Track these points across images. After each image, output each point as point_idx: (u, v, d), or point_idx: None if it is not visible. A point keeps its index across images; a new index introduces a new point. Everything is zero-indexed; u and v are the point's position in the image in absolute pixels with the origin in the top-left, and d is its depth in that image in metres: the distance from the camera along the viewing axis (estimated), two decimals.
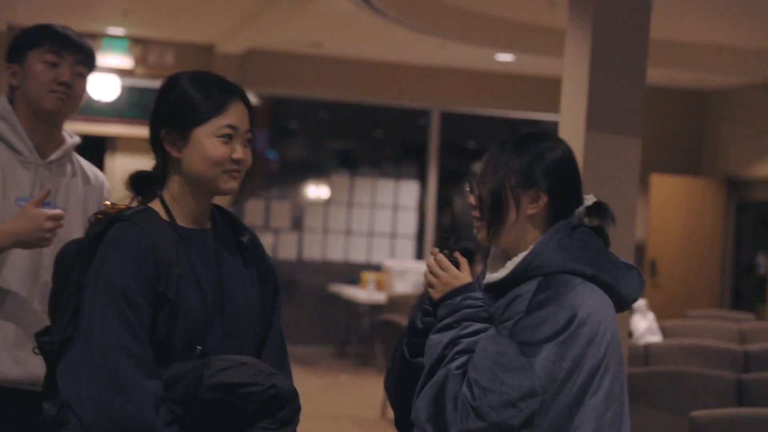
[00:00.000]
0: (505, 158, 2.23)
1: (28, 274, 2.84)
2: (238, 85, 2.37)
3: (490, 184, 2.24)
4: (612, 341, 2.15)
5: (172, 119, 2.30)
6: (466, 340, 2.13)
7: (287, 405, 2.26)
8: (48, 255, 2.83)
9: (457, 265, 2.25)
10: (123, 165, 10.55)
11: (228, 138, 2.29)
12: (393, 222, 11.88)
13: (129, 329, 2.16)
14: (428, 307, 2.26)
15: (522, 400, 2.04)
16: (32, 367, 2.81)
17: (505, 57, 10.40)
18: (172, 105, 2.30)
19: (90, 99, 10.40)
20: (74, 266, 2.29)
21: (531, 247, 2.20)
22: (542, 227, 2.23)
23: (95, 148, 11.03)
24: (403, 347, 2.28)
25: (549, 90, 10.44)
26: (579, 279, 2.15)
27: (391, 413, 2.48)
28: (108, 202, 2.36)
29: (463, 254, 2.33)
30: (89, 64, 2.96)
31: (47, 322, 2.77)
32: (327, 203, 11.76)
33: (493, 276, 2.24)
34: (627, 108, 4.57)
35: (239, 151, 2.30)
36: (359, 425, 7.67)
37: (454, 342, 2.13)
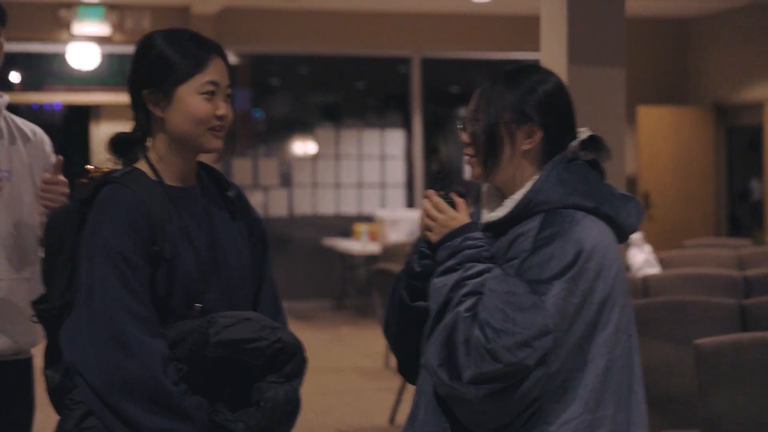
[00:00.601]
0: (496, 94, 2.19)
1: None
2: (214, 41, 2.35)
3: (483, 122, 2.20)
4: (618, 273, 2.13)
5: (153, 79, 2.29)
6: (471, 282, 2.10)
7: (293, 358, 2.25)
8: (2, 223, 2.80)
9: (453, 205, 2.21)
10: (108, 132, 10.43)
11: (210, 95, 2.28)
12: (381, 172, 11.85)
13: (130, 290, 2.16)
14: (425, 250, 2.22)
15: (536, 339, 2.01)
16: (7, 337, 2.80)
17: None
18: (150, 65, 2.29)
19: (71, 69, 10.32)
20: (66, 232, 2.28)
21: (530, 184, 2.17)
22: (537, 163, 2.20)
23: (80, 118, 10.97)
24: (402, 292, 2.25)
25: (528, 28, 10.35)
26: (581, 213, 2.12)
27: (393, 362, 2.47)
28: (90, 166, 2.34)
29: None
30: (1, 21, 2.84)
31: (14, 289, 2.77)
32: (314, 158, 11.71)
33: (492, 215, 2.20)
34: (608, 39, 4.52)
35: (222, 107, 2.30)
36: (363, 376, 7.70)
37: (459, 284, 2.10)
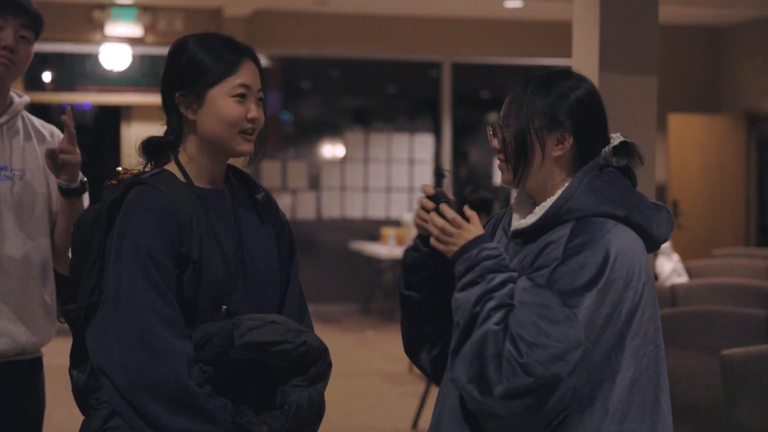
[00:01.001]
0: (528, 100, 2.17)
1: None
2: (247, 45, 2.36)
3: (513, 127, 2.18)
4: (647, 283, 2.12)
5: (185, 82, 2.30)
6: (497, 294, 2.07)
7: (318, 361, 2.25)
8: (10, 223, 2.81)
9: (449, 203, 2.16)
10: (139, 133, 10.48)
11: (242, 97, 2.29)
12: (410, 176, 11.85)
13: (157, 291, 2.16)
14: (418, 243, 2.22)
15: (569, 352, 2.00)
16: (15, 336, 2.80)
17: (513, 3, 10.30)
18: (183, 68, 2.30)
19: (103, 69, 10.39)
20: (95, 233, 2.29)
21: (561, 191, 2.15)
22: (569, 169, 2.19)
23: (111, 118, 11.03)
24: (399, 280, 2.28)
25: (560, 34, 10.33)
26: (612, 221, 2.10)
27: (417, 369, 2.47)
28: (120, 168, 2.35)
29: (482, 204, 2.29)
30: (35, 28, 2.87)
31: (23, 288, 2.78)
32: (343, 161, 11.73)
33: (522, 222, 2.19)
34: (640, 47, 4.51)
35: (253, 110, 2.30)
36: (387, 380, 7.70)
37: (484, 298, 2.08)
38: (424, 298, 2.25)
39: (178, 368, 2.13)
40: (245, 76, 2.30)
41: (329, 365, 2.28)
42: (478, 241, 2.13)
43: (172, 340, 2.14)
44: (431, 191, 2.18)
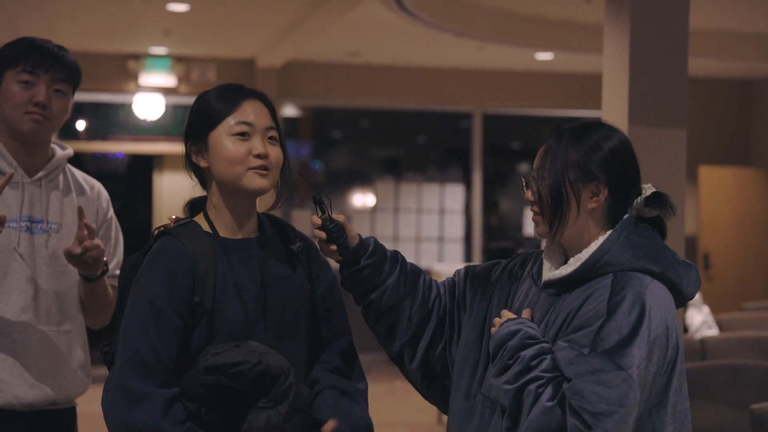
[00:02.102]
0: (561, 152, 2.18)
1: (27, 297, 2.80)
2: (256, 89, 2.37)
3: (548, 180, 2.19)
4: (679, 340, 2.12)
5: (193, 130, 2.34)
6: (538, 372, 2.07)
7: (278, 380, 2.21)
8: (44, 276, 2.82)
9: (340, 228, 2.33)
10: (170, 182, 10.64)
11: (244, 135, 2.29)
12: (440, 226, 11.86)
13: (147, 339, 2.19)
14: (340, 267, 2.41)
15: (630, 414, 2.00)
16: (47, 388, 2.81)
17: (544, 56, 10.35)
18: (191, 117, 2.35)
19: (136, 119, 10.52)
20: (129, 279, 2.33)
21: (596, 244, 2.16)
22: (602, 221, 2.19)
23: (143, 167, 11.13)
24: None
25: (590, 86, 10.37)
26: (648, 278, 2.11)
27: (446, 418, 2.48)
28: (173, 216, 2.39)
29: (505, 252, 2.33)
30: (71, 80, 2.86)
31: (55, 341, 2.82)
32: (373, 210, 11.76)
33: (555, 273, 2.19)
34: (670, 100, 4.53)
35: (259, 147, 2.29)
36: (416, 431, 7.66)
37: (524, 376, 2.07)
38: (369, 303, 2.42)
39: (151, 412, 2.14)
40: (245, 113, 2.29)
41: (291, 384, 2.23)
42: (504, 322, 2.19)
43: (147, 386, 2.16)
44: (318, 221, 2.34)
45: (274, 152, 2.31)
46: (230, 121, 2.28)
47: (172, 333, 2.21)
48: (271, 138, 2.32)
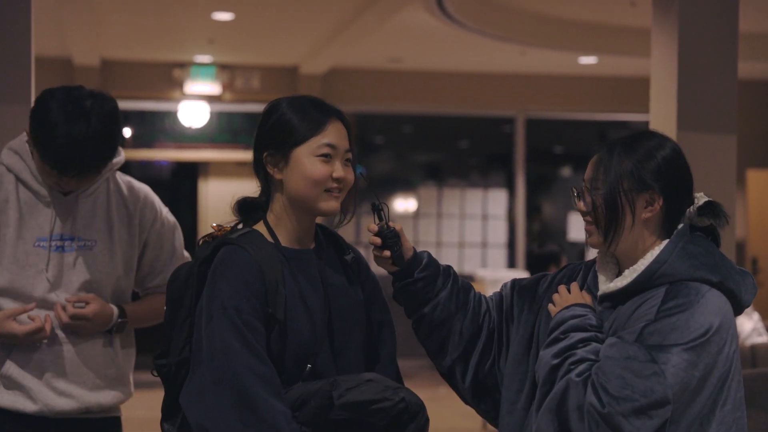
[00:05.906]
0: (615, 162, 2.18)
1: (49, 308, 2.81)
2: (336, 107, 2.39)
3: (602, 190, 2.19)
4: (736, 350, 2.11)
5: (273, 142, 2.33)
6: (579, 351, 2.09)
7: (416, 417, 2.24)
8: (66, 286, 2.81)
9: (395, 235, 2.33)
10: (216, 189, 10.70)
11: (327, 157, 2.31)
12: (483, 232, 11.83)
13: (251, 351, 2.17)
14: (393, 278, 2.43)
15: (653, 408, 1.99)
16: (77, 396, 2.82)
17: (588, 60, 10.30)
18: (271, 128, 2.34)
19: (182, 126, 10.61)
20: (186, 290, 2.33)
21: (651, 254, 2.15)
22: (657, 231, 2.19)
23: (188, 174, 11.22)
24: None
25: (634, 90, 10.31)
26: (706, 287, 2.10)
27: (491, 427, 2.49)
28: (215, 225, 2.40)
29: (549, 257, 2.34)
30: (99, 168, 2.77)
31: (86, 353, 2.82)
32: (415, 216, 11.76)
33: (611, 285, 2.19)
34: (719, 105, 4.48)
35: (339, 170, 2.33)
36: None
37: (565, 353, 2.10)
38: (421, 317, 2.43)
39: (278, 426, 2.13)
40: (331, 135, 2.32)
41: (427, 420, 2.27)
42: (572, 305, 2.19)
43: (270, 398, 2.15)
44: (375, 228, 2.35)
45: (349, 174, 2.36)
46: (317, 141, 2.31)
47: (263, 343, 2.21)
48: (347, 160, 2.36)
